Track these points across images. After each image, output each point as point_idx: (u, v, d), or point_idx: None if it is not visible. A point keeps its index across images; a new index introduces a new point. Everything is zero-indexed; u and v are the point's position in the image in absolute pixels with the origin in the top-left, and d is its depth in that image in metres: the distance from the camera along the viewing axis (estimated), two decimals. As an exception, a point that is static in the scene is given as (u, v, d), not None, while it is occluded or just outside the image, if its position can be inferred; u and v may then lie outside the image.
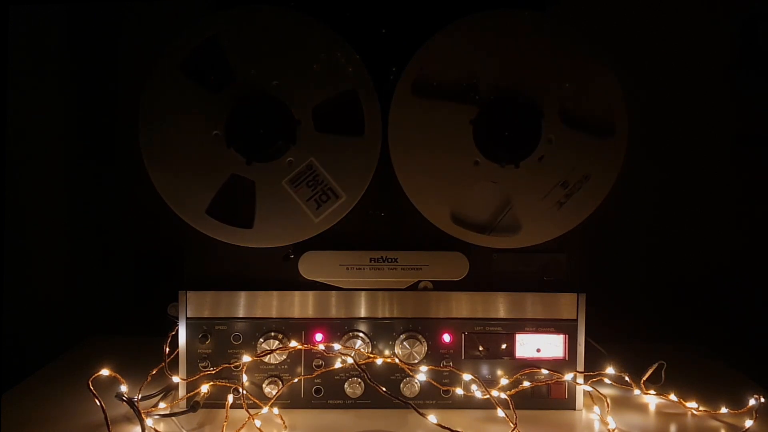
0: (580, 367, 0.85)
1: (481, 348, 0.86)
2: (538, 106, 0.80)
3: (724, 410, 0.84)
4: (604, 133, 0.81)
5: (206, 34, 0.80)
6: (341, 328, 0.85)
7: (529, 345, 0.86)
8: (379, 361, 0.83)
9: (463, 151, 0.81)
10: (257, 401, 0.82)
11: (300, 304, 0.85)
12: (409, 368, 0.84)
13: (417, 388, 0.84)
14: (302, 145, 0.81)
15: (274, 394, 0.83)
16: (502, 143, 0.80)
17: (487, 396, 0.82)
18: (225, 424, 0.77)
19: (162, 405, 0.83)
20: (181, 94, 0.80)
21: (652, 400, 0.87)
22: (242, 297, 0.85)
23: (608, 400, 0.83)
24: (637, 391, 0.86)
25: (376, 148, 0.81)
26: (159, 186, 0.81)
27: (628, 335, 1.03)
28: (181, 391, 0.84)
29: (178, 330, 0.84)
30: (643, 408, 0.87)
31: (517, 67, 0.80)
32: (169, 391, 0.87)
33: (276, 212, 0.82)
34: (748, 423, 0.81)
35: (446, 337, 0.85)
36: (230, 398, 0.80)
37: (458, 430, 0.74)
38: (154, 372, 0.83)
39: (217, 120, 0.80)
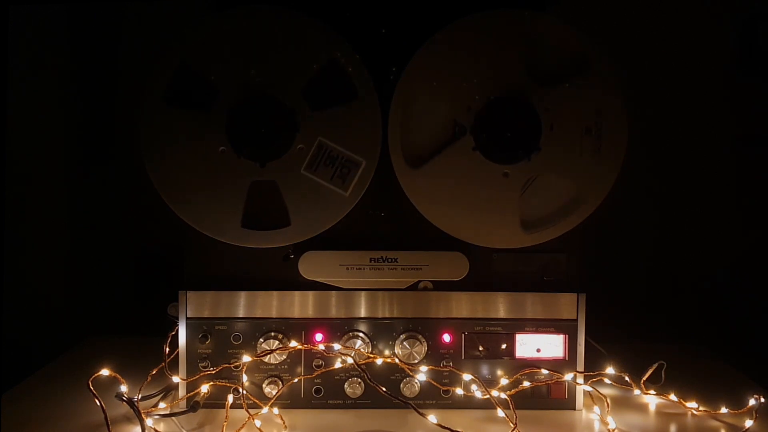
0: (580, 367, 0.85)
1: (481, 348, 0.86)
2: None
3: (724, 410, 0.84)
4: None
5: (174, 62, 0.80)
6: (341, 328, 0.85)
7: (529, 345, 0.86)
8: (379, 361, 0.84)
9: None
10: (257, 401, 0.82)
11: (300, 304, 0.85)
12: (409, 368, 0.84)
13: (417, 388, 0.84)
14: (305, 129, 0.81)
15: (274, 394, 0.83)
16: (503, 143, 0.80)
17: (487, 396, 0.82)
18: (225, 424, 0.77)
19: (162, 405, 0.83)
20: (174, 124, 0.80)
21: (652, 400, 0.87)
22: (242, 297, 0.85)
23: (608, 400, 0.83)
24: (637, 391, 0.86)
25: (374, 107, 0.81)
26: (187, 217, 0.82)
27: (628, 335, 1.03)
28: (181, 391, 0.84)
29: (178, 330, 0.84)
30: (643, 408, 0.87)
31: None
32: (169, 391, 0.87)
33: (307, 201, 0.82)
34: (748, 423, 0.81)
35: (446, 337, 0.85)
36: (230, 398, 0.80)
37: (458, 430, 0.74)
38: (154, 372, 0.83)
39: (217, 136, 0.79)
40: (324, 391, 0.85)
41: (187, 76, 0.80)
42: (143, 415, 0.77)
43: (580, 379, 0.85)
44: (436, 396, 0.85)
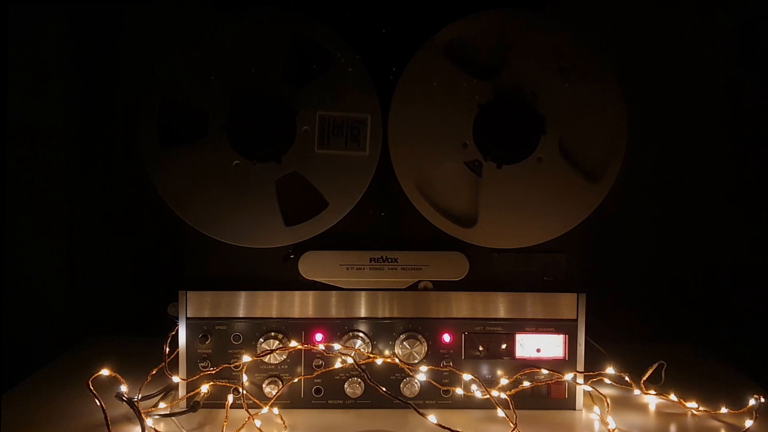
0: (580, 367, 0.85)
1: (481, 348, 0.86)
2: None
3: (724, 410, 0.84)
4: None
5: (156, 101, 0.80)
6: (341, 328, 0.85)
7: (529, 345, 0.86)
8: (379, 361, 0.83)
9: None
10: (257, 401, 0.82)
11: (300, 304, 0.85)
12: (409, 368, 0.84)
13: (417, 388, 0.84)
14: (302, 109, 0.81)
15: (274, 394, 0.83)
16: (503, 143, 0.80)
17: (487, 396, 0.82)
18: (225, 424, 0.77)
19: (162, 405, 0.83)
20: (178, 159, 0.81)
21: (652, 400, 0.87)
22: (242, 297, 0.85)
23: (608, 400, 0.83)
24: (637, 391, 0.86)
25: (354, 61, 0.81)
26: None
27: (628, 335, 1.03)
28: (181, 391, 0.84)
29: (178, 330, 0.84)
30: (643, 408, 0.87)
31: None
32: (169, 391, 0.87)
33: (334, 176, 0.82)
34: (748, 423, 0.81)
35: (446, 337, 0.85)
36: (230, 398, 0.80)
37: (458, 430, 0.74)
38: (154, 372, 0.83)
39: (229, 152, 0.79)
40: (324, 391, 0.85)
41: (172, 111, 0.80)
42: (143, 415, 0.77)
43: (580, 379, 0.85)
44: (436, 396, 0.85)
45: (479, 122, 0.80)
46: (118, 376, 0.82)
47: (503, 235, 0.84)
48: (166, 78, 0.81)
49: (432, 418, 0.77)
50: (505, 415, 0.79)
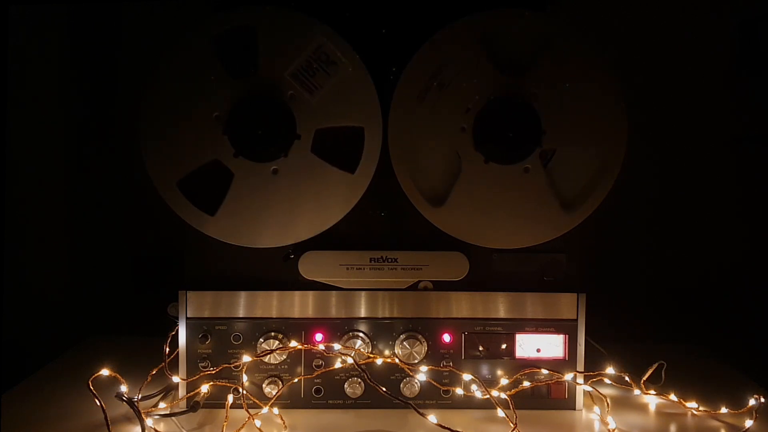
0: (580, 367, 0.85)
1: (481, 348, 0.86)
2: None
3: (724, 410, 0.84)
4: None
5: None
6: (341, 328, 0.85)
7: (529, 345, 0.86)
8: (379, 361, 0.83)
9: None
10: (257, 401, 0.82)
11: (300, 304, 0.85)
12: (409, 368, 0.84)
13: (417, 388, 0.84)
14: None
15: (274, 394, 0.83)
16: (503, 143, 0.80)
17: (487, 396, 0.82)
18: (225, 424, 0.77)
19: (162, 405, 0.83)
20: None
21: (652, 400, 0.87)
22: (242, 297, 0.85)
23: (608, 400, 0.83)
24: (637, 391, 0.86)
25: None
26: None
27: (628, 335, 1.03)
28: (181, 391, 0.84)
29: (178, 330, 0.84)
30: (643, 408, 0.87)
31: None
32: (169, 391, 0.87)
33: (338, 99, 0.81)
34: (748, 423, 0.81)
35: (446, 337, 0.85)
36: (230, 398, 0.80)
37: (458, 430, 0.74)
38: (154, 372, 0.83)
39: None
40: (324, 391, 0.85)
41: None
42: (143, 415, 0.77)
43: (580, 379, 0.85)
44: (436, 396, 0.85)
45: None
46: (118, 376, 0.82)
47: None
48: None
49: (432, 418, 0.77)
50: (505, 415, 0.79)
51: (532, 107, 0.79)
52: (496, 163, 0.81)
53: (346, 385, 0.85)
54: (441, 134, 0.82)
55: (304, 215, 0.82)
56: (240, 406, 0.80)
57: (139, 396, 0.81)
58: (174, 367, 0.84)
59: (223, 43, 0.80)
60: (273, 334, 0.84)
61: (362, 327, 0.85)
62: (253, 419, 0.78)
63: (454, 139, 0.81)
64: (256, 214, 0.82)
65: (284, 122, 0.80)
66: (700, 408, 0.85)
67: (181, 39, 0.80)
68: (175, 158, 0.81)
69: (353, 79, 0.80)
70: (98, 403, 0.76)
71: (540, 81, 0.80)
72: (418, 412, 0.78)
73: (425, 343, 0.84)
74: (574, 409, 0.86)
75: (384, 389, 0.79)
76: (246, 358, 0.83)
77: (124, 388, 0.81)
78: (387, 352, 0.85)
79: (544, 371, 0.85)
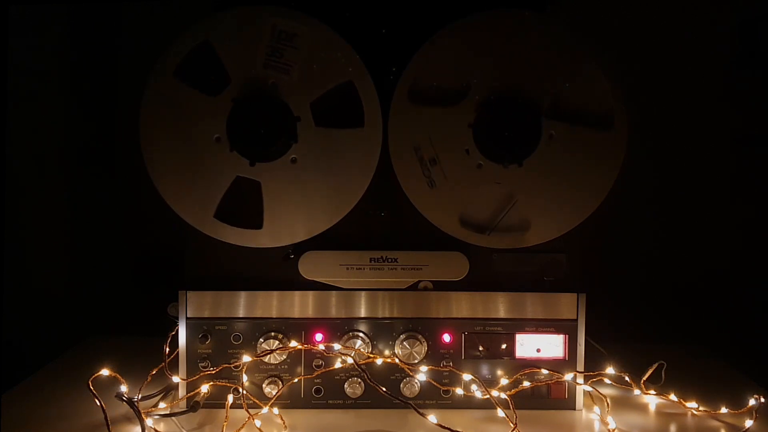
0: (580, 367, 0.85)
1: (481, 348, 0.86)
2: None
3: (724, 410, 0.84)
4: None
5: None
6: (341, 328, 0.85)
7: (529, 345, 0.86)
8: (379, 361, 0.83)
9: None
10: (257, 401, 0.82)
11: (300, 304, 0.85)
12: (409, 368, 0.84)
13: (417, 388, 0.84)
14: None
15: (274, 394, 0.83)
16: (504, 143, 0.80)
17: (487, 396, 0.82)
18: (225, 424, 0.77)
19: (162, 405, 0.83)
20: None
21: (652, 400, 0.87)
22: (242, 297, 0.85)
23: (608, 400, 0.83)
24: (637, 391, 0.86)
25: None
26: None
27: (628, 335, 1.03)
28: (181, 391, 0.84)
29: (178, 330, 0.84)
30: (643, 408, 0.87)
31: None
32: (169, 391, 0.87)
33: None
34: (748, 423, 0.81)
35: (446, 337, 0.85)
36: (230, 398, 0.80)
37: (458, 430, 0.74)
38: (154, 372, 0.83)
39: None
40: (324, 391, 0.85)
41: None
42: (143, 415, 0.77)
43: (580, 379, 0.85)
44: (436, 396, 0.85)
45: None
46: (118, 376, 0.82)
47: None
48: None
49: (432, 418, 0.77)
50: (505, 415, 0.79)
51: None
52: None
53: (346, 385, 0.85)
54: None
55: (333, 192, 0.82)
56: (240, 406, 0.80)
57: (139, 396, 0.81)
58: (174, 367, 0.84)
59: (187, 69, 0.80)
60: (273, 334, 0.84)
61: (362, 327, 0.85)
62: (253, 419, 0.78)
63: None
64: (294, 206, 0.82)
65: (279, 111, 0.80)
66: (700, 408, 0.85)
67: (150, 86, 0.81)
68: (198, 197, 0.82)
69: (318, 40, 0.80)
70: (98, 403, 0.76)
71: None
72: (418, 412, 0.78)
73: (425, 343, 0.84)
74: (574, 409, 0.86)
75: (384, 389, 0.79)
76: (246, 358, 0.83)
77: (124, 388, 0.81)
78: (387, 352, 0.85)
79: (544, 371, 0.85)
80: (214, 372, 0.83)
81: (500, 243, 0.84)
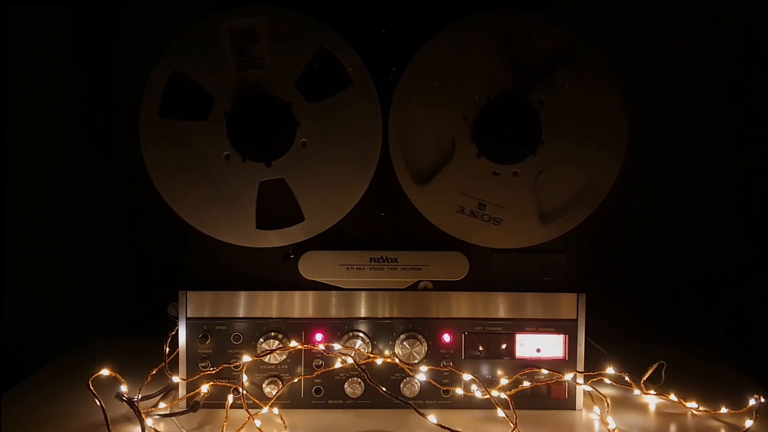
0: (580, 367, 0.85)
1: (481, 348, 0.86)
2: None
3: (724, 410, 0.84)
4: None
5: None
6: (341, 328, 0.85)
7: (529, 345, 0.86)
8: (379, 361, 0.83)
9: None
10: (257, 401, 0.82)
11: (300, 304, 0.85)
12: (409, 368, 0.84)
13: (417, 388, 0.84)
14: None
15: (274, 394, 0.83)
16: (503, 143, 0.80)
17: (487, 396, 0.82)
18: (225, 424, 0.77)
19: (162, 405, 0.83)
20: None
21: (652, 400, 0.87)
22: (242, 297, 0.85)
23: (608, 400, 0.83)
24: (637, 391, 0.86)
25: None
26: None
27: (628, 335, 1.03)
28: (181, 391, 0.84)
29: (178, 330, 0.84)
30: (643, 408, 0.87)
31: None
32: (169, 391, 0.87)
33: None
34: (748, 423, 0.81)
35: (446, 337, 0.85)
36: (230, 398, 0.80)
37: (458, 430, 0.74)
38: (154, 372, 0.83)
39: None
40: (324, 391, 0.85)
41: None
42: (143, 415, 0.77)
43: (580, 379, 0.85)
44: (436, 396, 0.85)
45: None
46: (118, 376, 0.82)
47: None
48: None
49: (432, 418, 0.77)
50: (505, 415, 0.79)
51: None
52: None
53: (346, 385, 0.85)
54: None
55: (349, 161, 0.81)
56: (240, 406, 0.80)
57: (139, 396, 0.81)
58: (174, 367, 0.84)
59: (169, 105, 0.80)
60: (273, 334, 0.84)
61: (362, 327, 0.85)
62: (253, 419, 0.78)
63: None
64: (324, 186, 0.81)
65: (270, 105, 0.79)
66: (700, 408, 0.85)
67: (144, 127, 0.80)
68: (230, 214, 0.82)
69: (275, 24, 0.79)
70: (98, 403, 0.76)
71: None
72: (418, 412, 0.78)
73: (425, 343, 0.85)
74: (574, 409, 0.86)
75: (384, 389, 0.79)
76: (246, 358, 0.83)
77: (124, 388, 0.81)
78: (387, 352, 0.85)
79: (544, 371, 0.85)
80: (214, 372, 0.83)
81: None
